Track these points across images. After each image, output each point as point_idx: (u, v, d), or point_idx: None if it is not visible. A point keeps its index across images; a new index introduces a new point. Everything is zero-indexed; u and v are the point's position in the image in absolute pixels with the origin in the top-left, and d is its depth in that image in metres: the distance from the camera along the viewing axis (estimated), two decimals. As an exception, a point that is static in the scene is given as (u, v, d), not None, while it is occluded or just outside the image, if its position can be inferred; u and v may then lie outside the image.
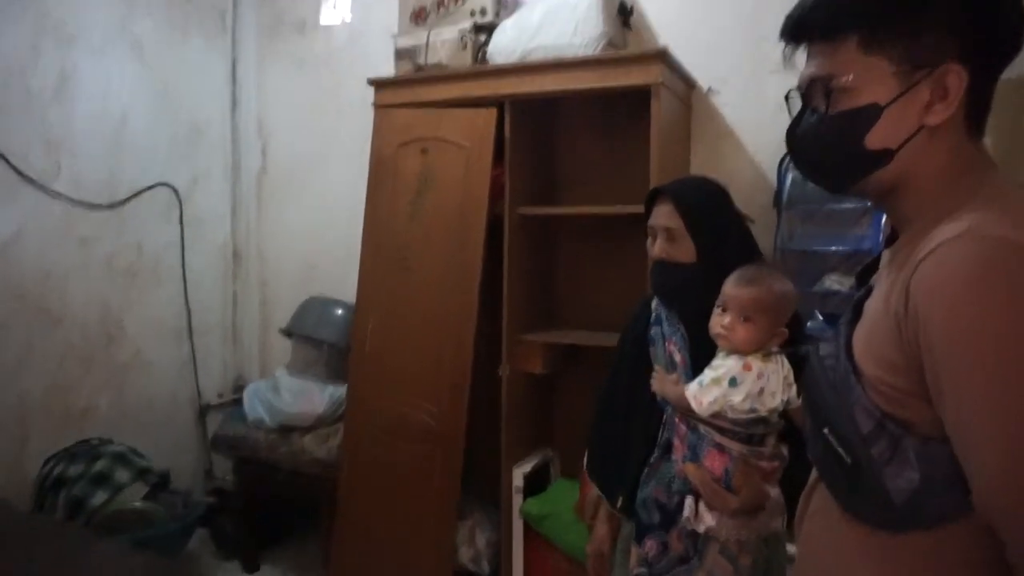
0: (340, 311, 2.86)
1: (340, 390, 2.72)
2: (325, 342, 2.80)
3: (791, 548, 1.56)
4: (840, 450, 0.79)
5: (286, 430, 2.73)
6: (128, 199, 2.99)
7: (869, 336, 0.79)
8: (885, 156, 0.79)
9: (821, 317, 2.12)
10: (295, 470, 2.73)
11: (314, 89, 3.29)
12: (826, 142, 0.83)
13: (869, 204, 2.07)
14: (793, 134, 0.88)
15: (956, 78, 0.76)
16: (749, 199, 2.44)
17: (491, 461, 2.48)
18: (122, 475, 2.57)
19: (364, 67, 3.02)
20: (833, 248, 2.17)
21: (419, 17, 2.58)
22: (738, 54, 2.47)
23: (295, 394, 2.73)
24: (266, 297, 3.50)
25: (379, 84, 2.56)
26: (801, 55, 0.87)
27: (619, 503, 1.58)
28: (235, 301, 3.51)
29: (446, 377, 2.35)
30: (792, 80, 2.52)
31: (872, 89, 0.78)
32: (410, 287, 2.43)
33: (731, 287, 1.37)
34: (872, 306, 0.82)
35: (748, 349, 1.37)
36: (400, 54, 2.60)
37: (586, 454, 1.76)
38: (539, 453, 2.64)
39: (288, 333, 2.93)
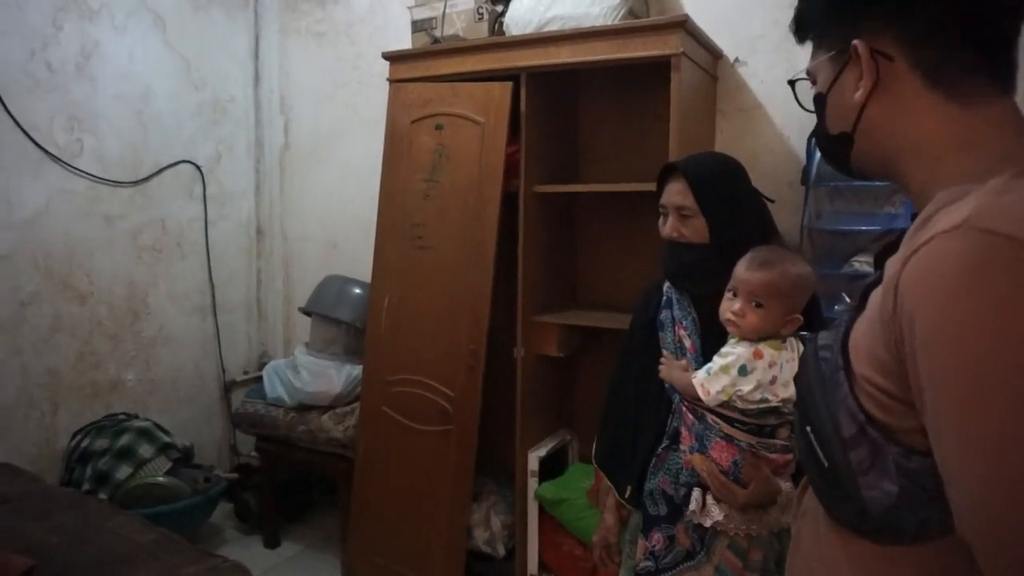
0: (358, 290, 2.85)
1: (357, 369, 2.71)
2: (343, 321, 2.79)
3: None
4: (819, 451, 0.74)
5: (305, 409, 2.74)
6: (151, 176, 3.01)
7: (865, 331, 0.73)
8: (845, 139, 0.80)
9: (849, 300, 2.02)
10: (313, 448, 2.75)
11: (335, 63, 3.25)
12: (814, 132, 0.90)
13: (900, 181, 1.96)
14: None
15: (861, 51, 0.75)
16: (776, 176, 2.33)
17: (508, 443, 2.45)
18: (146, 450, 2.62)
19: (384, 39, 2.98)
20: (863, 227, 2.06)
21: (435, -12, 2.50)
22: (766, 22, 2.34)
23: (313, 373, 2.73)
24: (289, 274, 3.51)
25: (393, 58, 2.50)
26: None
27: (627, 493, 1.53)
28: (259, 278, 3.53)
29: (461, 358, 2.32)
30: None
31: (821, 78, 0.82)
32: (425, 266, 2.39)
33: (742, 270, 1.31)
34: (875, 297, 0.75)
35: (757, 336, 1.30)
36: (416, 26, 2.54)
37: (595, 443, 1.71)
38: (556, 436, 2.60)
39: (307, 312, 2.93)
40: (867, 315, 0.74)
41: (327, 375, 2.72)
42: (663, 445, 1.47)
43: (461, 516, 2.37)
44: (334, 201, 3.31)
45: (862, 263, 2.05)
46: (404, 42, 2.74)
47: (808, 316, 1.38)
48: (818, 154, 2.14)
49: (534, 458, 2.42)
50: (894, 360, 0.67)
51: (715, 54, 2.36)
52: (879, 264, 0.87)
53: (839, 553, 0.77)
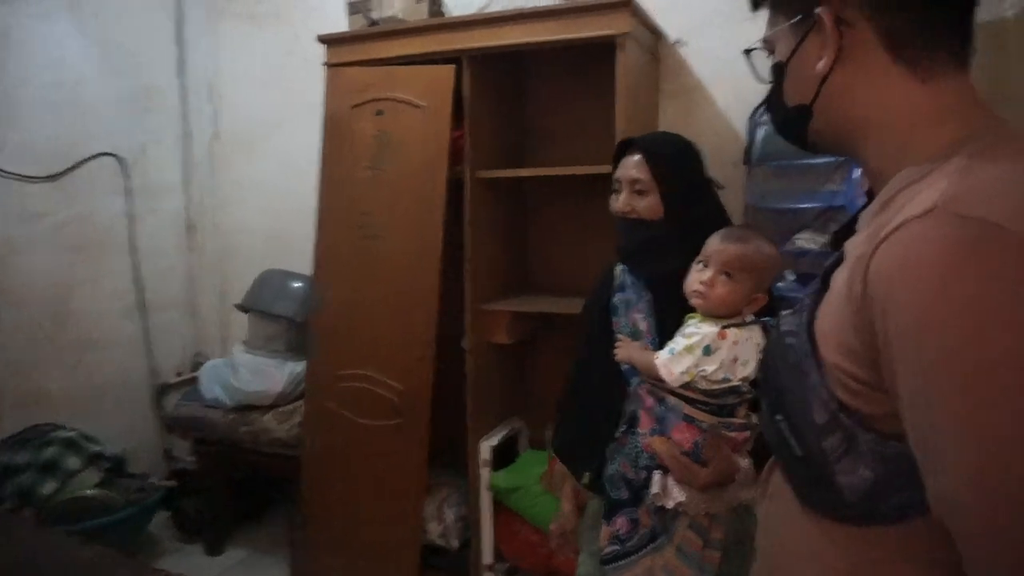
0: (298, 284, 2.75)
1: (300, 366, 2.62)
2: (283, 317, 2.69)
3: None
4: (792, 441, 0.73)
5: (246, 409, 2.63)
6: (70, 169, 2.82)
7: (832, 316, 0.71)
8: (803, 112, 0.77)
9: (792, 277, 2.05)
10: (257, 450, 2.64)
11: (268, 47, 3.12)
12: (769, 103, 0.85)
13: (842, 159, 1.99)
14: (769, 99, 0.88)
15: (826, 20, 0.72)
16: (720, 156, 2.34)
17: (459, 434, 2.40)
18: (73, 462, 2.46)
19: (319, 22, 2.86)
20: (805, 205, 2.08)
21: (371, -33, 2.41)
22: (707, 4, 2.35)
23: (253, 372, 2.62)
24: (225, 270, 3.36)
25: (330, 41, 2.40)
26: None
27: (586, 479, 1.51)
28: (191, 275, 3.37)
29: (411, 350, 2.26)
30: (762, 30, 2.41)
31: (780, 47, 0.79)
32: (371, 257, 2.31)
33: (717, 242, 1.29)
34: (838, 280, 0.72)
35: (723, 311, 1.29)
36: (352, 7, 2.44)
37: (553, 430, 1.68)
38: (507, 424, 2.57)
39: (244, 308, 2.81)
40: (832, 299, 0.72)
41: (268, 373, 2.61)
42: (621, 429, 1.45)
43: (416, 510, 2.31)
44: (273, 192, 3.18)
45: (805, 240, 2.08)
46: (341, 24, 2.64)
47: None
48: (760, 133, 2.17)
49: (486, 447, 2.38)
50: (863, 347, 0.65)
51: (657, 35, 2.36)
52: (837, 245, 0.85)
53: (818, 536, 0.75)
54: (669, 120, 2.43)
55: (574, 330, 2.53)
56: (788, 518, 0.82)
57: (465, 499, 2.46)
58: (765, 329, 1.34)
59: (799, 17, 0.75)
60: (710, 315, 1.29)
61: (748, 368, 1.29)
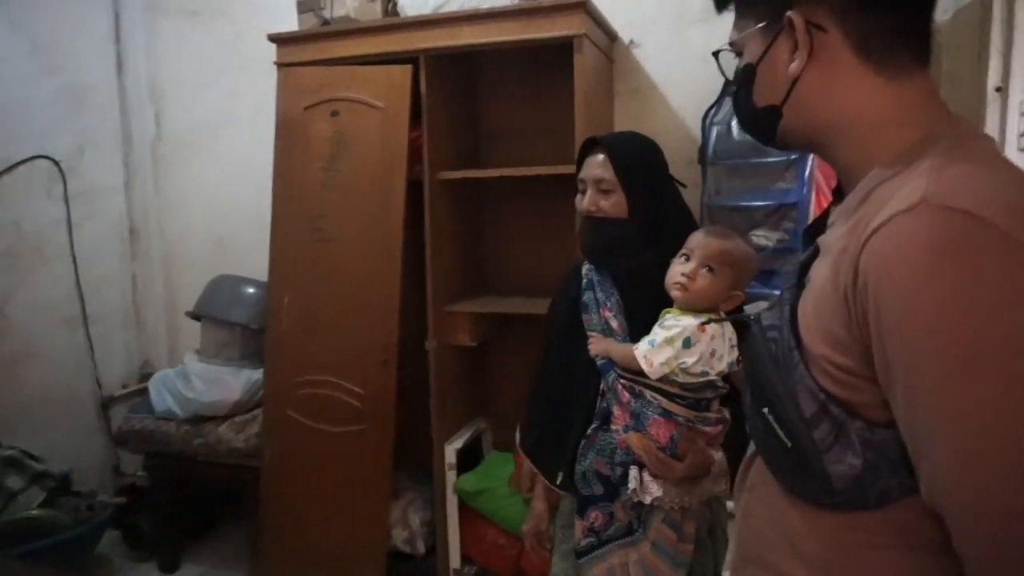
0: (252, 289, 2.67)
1: (257, 374, 2.55)
2: (237, 324, 2.61)
3: (732, 506, 1.55)
4: (780, 433, 0.74)
5: (200, 420, 2.54)
6: (1, 173, 2.67)
7: (816, 309, 0.73)
8: (774, 112, 0.79)
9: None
10: (213, 461, 2.56)
11: (213, 46, 3.02)
12: (736, 103, 0.86)
13: (793, 157, 2.06)
14: (735, 99, 0.89)
15: (798, 23, 0.73)
16: (675, 155, 2.34)
17: (422, 438, 2.38)
18: (14, 481, 2.34)
19: (267, 20, 2.78)
20: (758, 203, 2.15)
21: (322, -35, 2.36)
22: (659, 5, 2.39)
23: (207, 381, 2.53)
24: (171, 277, 3.24)
25: (281, 40, 2.35)
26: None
27: (558, 479, 1.51)
28: (135, 283, 3.24)
29: (372, 354, 2.22)
30: (715, 31, 2.45)
31: (749, 49, 0.80)
32: (328, 260, 2.27)
33: (700, 236, 1.33)
34: (819, 273, 0.75)
35: (703, 304, 1.31)
36: (302, 6, 2.39)
37: (520, 431, 1.68)
38: (471, 427, 2.56)
39: (196, 316, 2.72)
40: (814, 293, 0.74)
41: (224, 382, 2.53)
42: (593, 426, 1.46)
43: (380, 516, 2.28)
44: (220, 195, 3.08)
45: (759, 237, 2.14)
46: (289, 23, 2.58)
47: None
48: (713, 133, 2.22)
49: (451, 451, 2.37)
50: (853, 337, 0.67)
51: (611, 36, 2.39)
52: (809, 240, 0.88)
53: (798, 524, 0.77)
54: (624, 120, 2.46)
55: (532, 330, 2.56)
56: (768, 508, 0.83)
57: (430, 503, 2.44)
58: (740, 324, 1.38)
59: (769, 21, 0.76)
60: (689, 308, 1.32)
61: (723, 362, 1.33)
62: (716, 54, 0.91)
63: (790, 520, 0.79)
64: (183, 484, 2.71)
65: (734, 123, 2.15)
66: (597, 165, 1.46)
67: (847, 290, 0.67)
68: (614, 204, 1.44)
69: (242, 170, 2.98)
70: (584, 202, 1.48)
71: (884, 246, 0.63)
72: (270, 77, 2.57)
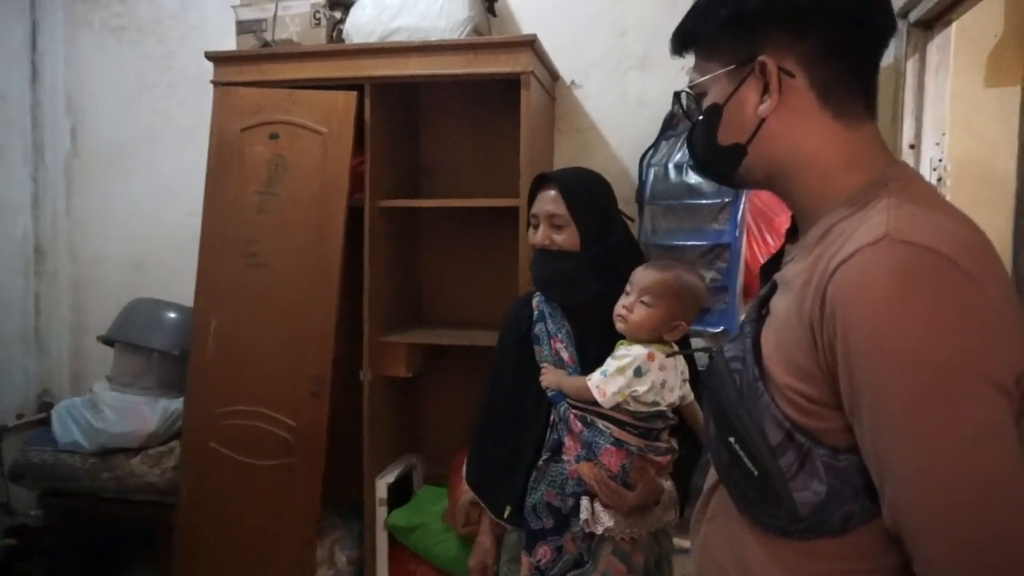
0: (173, 314, 2.53)
1: (175, 404, 2.41)
2: (155, 350, 2.46)
3: (680, 542, 1.57)
4: (747, 462, 0.76)
5: (109, 453, 2.37)
6: None
7: (779, 340, 0.76)
8: (738, 150, 0.82)
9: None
10: (122, 498, 2.38)
11: (139, 62, 2.89)
12: (698, 143, 0.88)
13: (727, 200, 2.16)
14: (689, 138, 0.93)
15: (770, 68, 0.77)
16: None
17: (351, 472, 2.30)
18: None
19: (200, 38, 2.74)
20: (693, 242, 2.23)
21: (265, -13, 2.33)
22: (600, 48, 2.48)
23: (119, 411, 2.37)
24: (80, 300, 3.03)
25: (219, 59, 2.28)
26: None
27: (506, 513, 1.49)
28: (38, 305, 3.02)
29: (304, 383, 2.14)
30: (652, 77, 2.56)
31: (715, 91, 0.83)
32: (260, 286, 2.19)
33: (640, 270, 1.37)
34: (782, 306, 0.78)
35: (642, 334, 1.34)
36: (243, 27, 2.34)
37: (465, 465, 1.65)
38: (403, 461, 2.50)
39: (109, 341, 2.55)
40: (775, 325, 0.78)
41: (138, 412, 2.37)
42: (544, 457, 1.45)
43: (306, 556, 2.17)
44: (140, 216, 2.92)
45: (693, 275, 2.22)
46: (224, 43, 2.53)
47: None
48: (650, 174, 2.30)
49: (383, 485, 2.30)
50: (818, 366, 0.70)
51: (554, 75, 2.45)
52: (765, 276, 0.92)
53: (759, 553, 0.79)
54: (564, 158, 2.52)
55: (467, 362, 2.55)
56: (729, 539, 0.85)
57: (358, 541, 2.35)
58: (688, 359, 1.42)
59: (738, 64, 0.80)
60: (634, 339, 1.34)
61: (674, 395, 1.36)
62: (677, 95, 0.94)
63: (751, 550, 0.80)
64: (85, 524, 2.50)
65: (671, 165, 2.24)
66: (550, 200, 1.48)
67: (813, 320, 0.70)
68: (567, 238, 1.47)
69: (166, 191, 2.86)
70: (537, 236, 1.50)
71: (851, 277, 0.67)
72: (202, 96, 2.49)
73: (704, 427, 0.89)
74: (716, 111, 0.82)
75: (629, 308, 1.34)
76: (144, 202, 2.92)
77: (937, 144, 1.80)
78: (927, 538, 0.63)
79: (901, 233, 0.65)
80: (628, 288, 1.36)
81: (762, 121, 0.79)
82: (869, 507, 0.69)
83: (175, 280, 2.75)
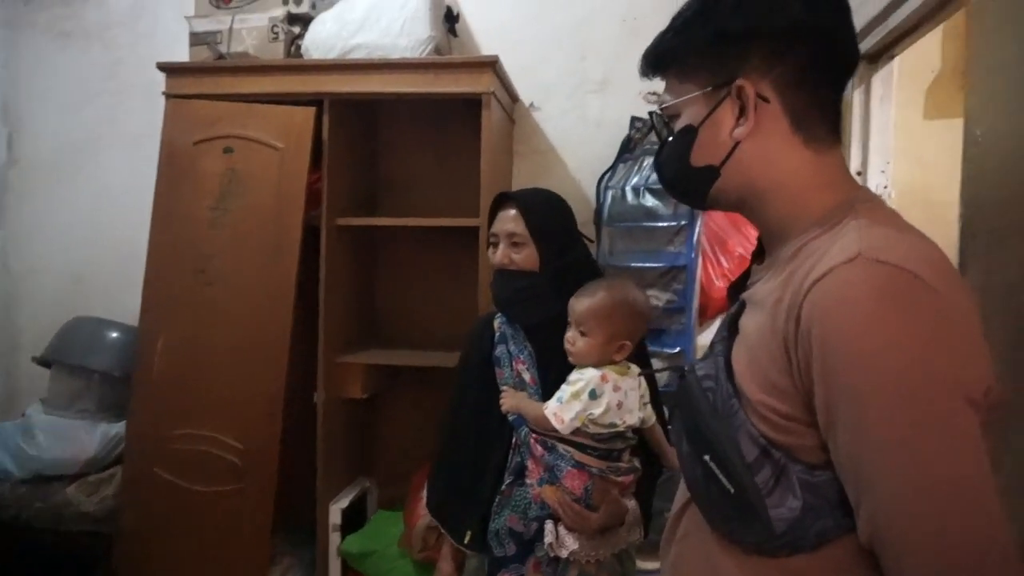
0: (116, 333, 2.42)
1: (115, 428, 2.30)
2: (96, 371, 2.35)
3: (644, 564, 1.57)
4: (723, 479, 0.76)
5: (42, 480, 2.24)
6: None
7: (752, 358, 0.77)
8: (711, 172, 0.82)
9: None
10: (55, 529, 2.24)
11: (85, 69, 2.79)
12: (668, 164, 0.88)
13: (683, 223, 2.20)
14: (656, 159, 0.93)
15: (748, 92, 0.78)
16: (572, 215, 2.48)
17: (302, 497, 2.23)
18: None
19: (150, 48, 2.66)
20: (650, 264, 2.26)
21: (221, -1, 2.28)
22: (560, 71, 2.51)
23: (55, 436, 2.24)
24: (12, 316, 2.88)
25: (173, 70, 2.21)
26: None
27: (467, 539, 1.46)
28: (-33, 322, 2.85)
29: (256, 406, 2.07)
30: (610, 101, 2.60)
31: (689, 112, 0.83)
32: (212, 304, 2.11)
33: (572, 300, 1.37)
34: (753, 324, 0.79)
35: (590, 361, 1.35)
36: (197, 38, 2.28)
37: (426, 490, 1.62)
38: (357, 485, 2.44)
39: (45, 362, 2.42)
40: (747, 343, 0.79)
41: (75, 437, 2.25)
42: (507, 482, 1.43)
43: (256, 585, 2.09)
44: (82, 228, 2.80)
45: (651, 296, 2.24)
46: (176, 53, 2.47)
47: (640, 353, 1.46)
48: (608, 196, 2.32)
49: (336, 510, 2.24)
50: (793, 382, 0.71)
51: (513, 97, 2.47)
52: (733, 295, 0.93)
53: (732, 572, 0.79)
54: (523, 179, 2.53)
55: (421, 383, 2.52)
56: (703, 558, 0.85)
57: (310, 569, 2.28)
58: (648, 380, 1.43)
59: (714, 86, 0.81)
60: (585, 364, 1.35)
61: (634, 416, 1.36)
62: (652, 115, 0.95)
63: (725, 568, 0.80)
64: (15, 557, 2.34)
65: (628, 188, 2.27)
66: (510, 220, 1.48)
67: (788, 337, 0.71)
68: (526, 257, 1.46)
69: (113, 202, 2.76)
70: (497, 256, 1.49)
71: (827, 295, 0.68)
72: (151, 106, 2.41)
73: (677, 445, 0.89)
74: (691, 132, 0.83)
75: (571, 341, 1.35)
76: (86, 213, 2.80)
77: (883, 172, 1.88)
78: (904, 552, 0.64)
79: (873, 252, 0.67)
80: (569, 318, 1.36)
81: (736, 144, 0.80)
82: (842, 522, 0.70)
83: (118, 295, 2.64)
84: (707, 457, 0.78)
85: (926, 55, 2.11)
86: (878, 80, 1.87)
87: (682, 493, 0.93)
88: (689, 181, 0.86)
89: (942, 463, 0.62)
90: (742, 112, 0.79)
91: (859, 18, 1.69)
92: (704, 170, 0.83)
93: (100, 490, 2.24)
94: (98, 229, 2.78)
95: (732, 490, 0.75)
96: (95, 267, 2.78)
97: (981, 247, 1.20)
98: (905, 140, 2.02)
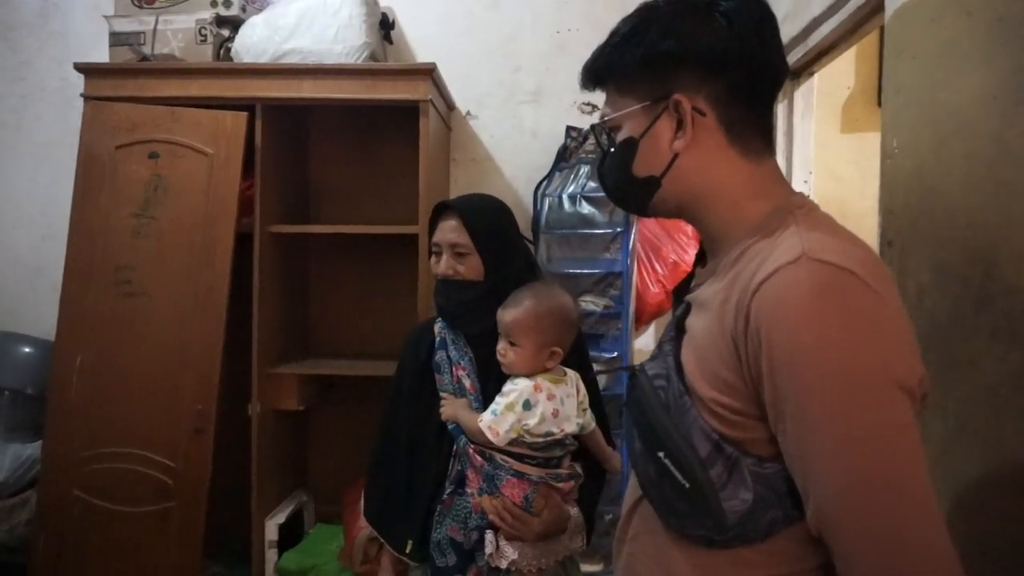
0: (28, 348, 2.29)
1: (29, 449, 2.16)
2: (5, 389, 2.20)
3: (588, 568, 1.59)
4: (678, 475, 0.78)
5: (-55, 508, 2.08)
6: None
7: (701, 356, 0.80)
8: (653, 182, 0.85)
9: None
10: (-40, 560, 2.09)
11: (-13, 69, 2.62)
12: (611, 174, 0.91)
13: (619, 230, 2.26)
14: (599, 168, 0.95)
15: (684, 106, 0.81)
16: (509, 223, 2.50)
17: (233, 514, 2.16)
18: None
19: (62, 48, 2.53)
20: (586, 270, 2.31)
21: (144, -1, 2.20)
22: (493, 81, 2.54)
23: (-40, 459, 2.09)
24: (-94, 333, 2.66)
25: (91, 71, 2.11)
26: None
27: (408, 548, 1.44)
28: None
29: (185, 421, 1.99)
30: (544, 111, 2.63)
31: (630, 125, 0.86)
32: (135, 316, 2.02)
33: (500, 312, 1.36)
34: (700, 325, 0.82)
35: (522, 371, 1.35)
36: (117, 39, 2.19)
37: (363, 499, 1.59)
38: (293, 499, 2.38)
39: (-52, 380, 2.25)
40: (695, 343, 0.82)
41: (-18, 460, 2.10)
42: (447, 491, 1.42)
43: (187, 610, 2.00)
44: (-16, 239, 2.62)
45: (587, 303, 2.29)
46: (91, 55, 2.37)
47: (578, 355, 1.48)
48: (546, 204, 2.36)
49: (272, 526, 2.18)
50: (742, 379, 0.74)
51: (450, 105, 2.47)
52: (678, 297, 0.97)
53: (684, 567, 0.82)
54: (459, 187, 2.54)
55: (355, 394, 2.49)
56: (655, 555, 0.87)
57: (243, 588, 2.20)
58: (590, 384, 1.45)
59: (652, 100, 0.83)
60: (520, 374, 1.36)
61: (572, 423, 1.37)
62: (594, 128, 0.97)
63: (678, 564, 0.82)
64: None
65: (564, 196, 2.31)
66: (451, 230, 1.47)
67: (737, 336, 0.74)
68: (470, 267, 1.46)
69: (17, 214, 2.60)
70: (441, 266, 1.48)
71: (773, 293, 0.71)
72: (63, 110, 2.30)
73: (628, 444, 0.91)
74: (632, 144, 0.85)
75: (502, 353, 1.35)
76: (-10, 224, 2.63)
77: (805, 182, 1.98)
78: (849, 539, 0.68)
79: (815, 252, 0.71)
80: (499, 329, 1.37)
81: (676, 155, 0.84)
82: (791, 512, 0.73)
83: (24, 311, 2.50)
84: (661, 454, 0.80)
85: (841, 74, 2.25)
86: (799, 95, 1.98)
87: (632, 493, 0.94)
88: (631, 190, 0.89)
89: (879, 451, 0.66)
90: (680, 125, 0.83)
91: (782, 36, 1.78)
92: (646, 180, 0.86)
93: (12, 516, 2.10)
94: (4, 240, 2.60)
95: (687, 485, 0.77)
96: (1, 280, 2.61)
97: (896, 253, 1.28)
98: (822, 153, 2.14)
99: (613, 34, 0.88)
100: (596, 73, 0.89)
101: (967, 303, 1.07)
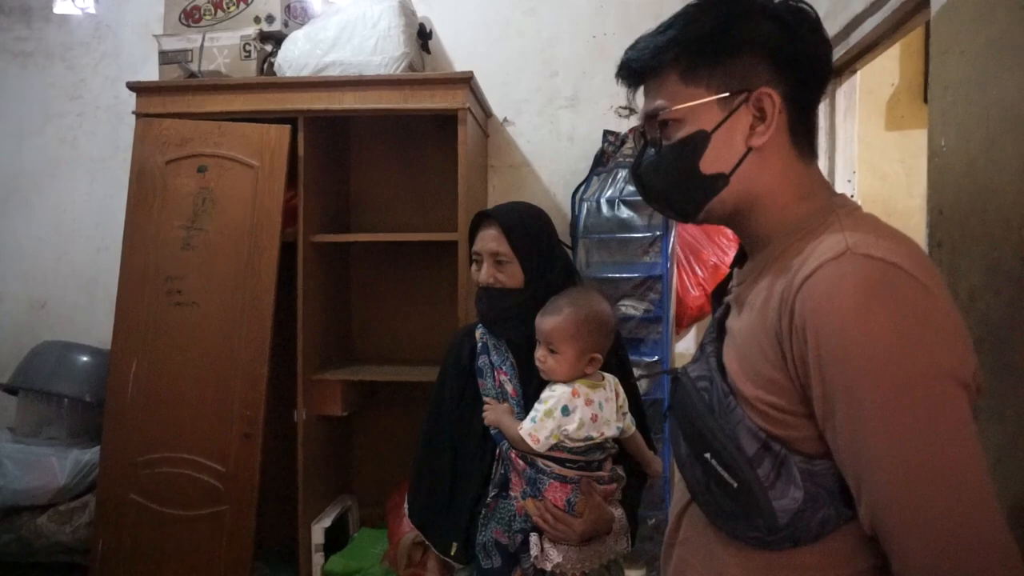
0: (85, 357, 2.37)
1: (88, 454, 2.24)
2: (65, 396, 2.29)
3: (632, 573, 1.59)
4: (725, 475, 0.77)
5: (10, 511, 2.17)
6: None
7: (743, 356, 0.79)
8: (720, 180, 0.82)
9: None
10: (28, 561, 2.17)
11: (45, 90, 2.74)
12: (667, 172, 0.85)
13: (658, 234, 2.25)
14: (637, 170, 0.90)
15: (770, 101, 0.79)
16: (547, 228, 2.50)
17: (280, 518, 2.21)
18: None
19: (115, 67, 2.62)
20: (626, 275, 2.30)
21: (191, 17, 2.27)
22: (531, 87, 2.55)
23: (24, 464, 2.18)
24: (-28, 343, 2.79)
25: (143, 89, 2.19)
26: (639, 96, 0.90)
27: (453, 550, 1.46)
28: (-76, 349, 2.75)
29: (234, 426, 2.05)
30: (581, 116, 2.61)
31: (698, 117, 0.81)
32: (186, 325, 2.09)
33: (538, 319, 1.36)
34: (740, 325, 0.82)
35: (561, 378, 1.35)
36: (167, 57, 2.26)
37: (407, 502, 1.61)
38: (338, 504, 2.42)
39: (11, 388, 2.35)
40: (737, 343, 0.81)
41: (45, 465, 2.19)
42: (492, 494, 1.43)
43: (238, 611, 2.05)
44: (43, 253, 2.73)
45: (627, 307, 2.28)
46: (142, 73, 2.45)
47: (619, 359, 1.48)
48: (584, 209, 2.36)
49: (319, 530, 2.22)
50: (788, 376, 0.73)
51: (487, 112, 2.49)
52: (716, 298, 0.96)
53: (737, 570, 0.81)
54: (498, 193, 2.56)
55: (399, 399, 2.52)
56: (705, 558, 0.86)
57: (291, 590, 2.25)
58: (630, 389, 1.45)
59: (731, 92, 0.80)
60: (558, 380, 1.36)
61: (611, 427, 1.37)
62: (647, 120, 0.89)
63: (727, 567, 0.82)
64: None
65: (602, 200, 2.31)
66: (492, 239, 1.48)
67: (781, 333, 0.73)
68: (511, 275, 1.47)
69: (74, 226, 2.70)
70: (482, 275, 1.49)
71: (818, 290, 0.70)
72: (116, 126, 2.38)
73: (674, 448, 0.90)
74: (703, 138, 0.81)
75: (541, 360, 1.36)
76: (47, 237, 2.74)
77: (849, 181, 1.95)
78: (905, 535, 0.66)
79: (860, 248, 0.70)
80: (537, 336, 1.37)
81: (748, 151, 0.81)
82: (843, 511, 0.72)
83: (81, 320, 2.60)
84: (707, 455, 0.79)
85: (885, 71, 2.20)
86: (841, 94, 1.94)
87: (680, 496, 0.94)
88: (692, 190, 0.83)
89: (936, 447, 0.65)
90: (760, 119, 0.80)
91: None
92: (713, 177, 0.82)
93: (74, 519, 2.18)
94: (60, 254, 2.72)
95: (735, 484, 0.76)
96: (57, 292, 2.72)
97: (946, 254, 1.25)
98: (867, 152, 2.10)
99: (669, 25, 0.83)
100: (651, 61, 0.83)
101: (1022, 305, 1.04)
